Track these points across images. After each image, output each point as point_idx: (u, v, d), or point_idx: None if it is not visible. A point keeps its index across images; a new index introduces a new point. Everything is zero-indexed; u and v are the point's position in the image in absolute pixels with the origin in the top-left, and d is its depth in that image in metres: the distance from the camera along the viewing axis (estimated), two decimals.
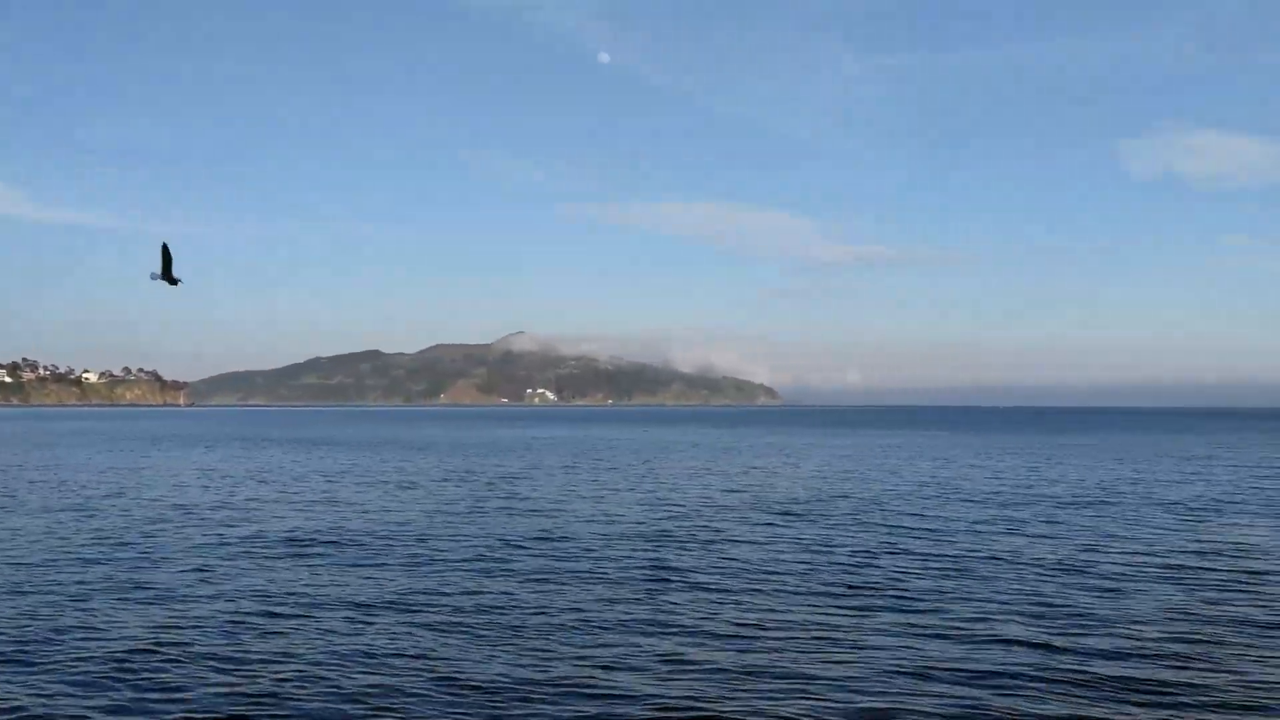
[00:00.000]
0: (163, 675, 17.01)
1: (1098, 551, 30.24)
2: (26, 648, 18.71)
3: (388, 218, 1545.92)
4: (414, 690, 16.24)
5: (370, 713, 15.25)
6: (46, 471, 63.34)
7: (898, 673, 17.19)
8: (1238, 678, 16.98)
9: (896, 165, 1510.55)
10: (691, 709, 15.41)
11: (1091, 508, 42.43)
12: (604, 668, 17.52)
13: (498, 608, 22.14)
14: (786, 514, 39.96)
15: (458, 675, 17.02)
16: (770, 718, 15.03)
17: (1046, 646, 18.89)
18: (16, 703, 15.60)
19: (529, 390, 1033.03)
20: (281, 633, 19.85)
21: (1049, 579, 25.69)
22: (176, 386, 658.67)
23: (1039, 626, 20.48)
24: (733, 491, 50.36)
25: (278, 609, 21.93)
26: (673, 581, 25.33)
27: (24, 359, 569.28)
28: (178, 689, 16.30)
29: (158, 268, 24.53)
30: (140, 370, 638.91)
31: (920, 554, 29.65)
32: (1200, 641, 19.33)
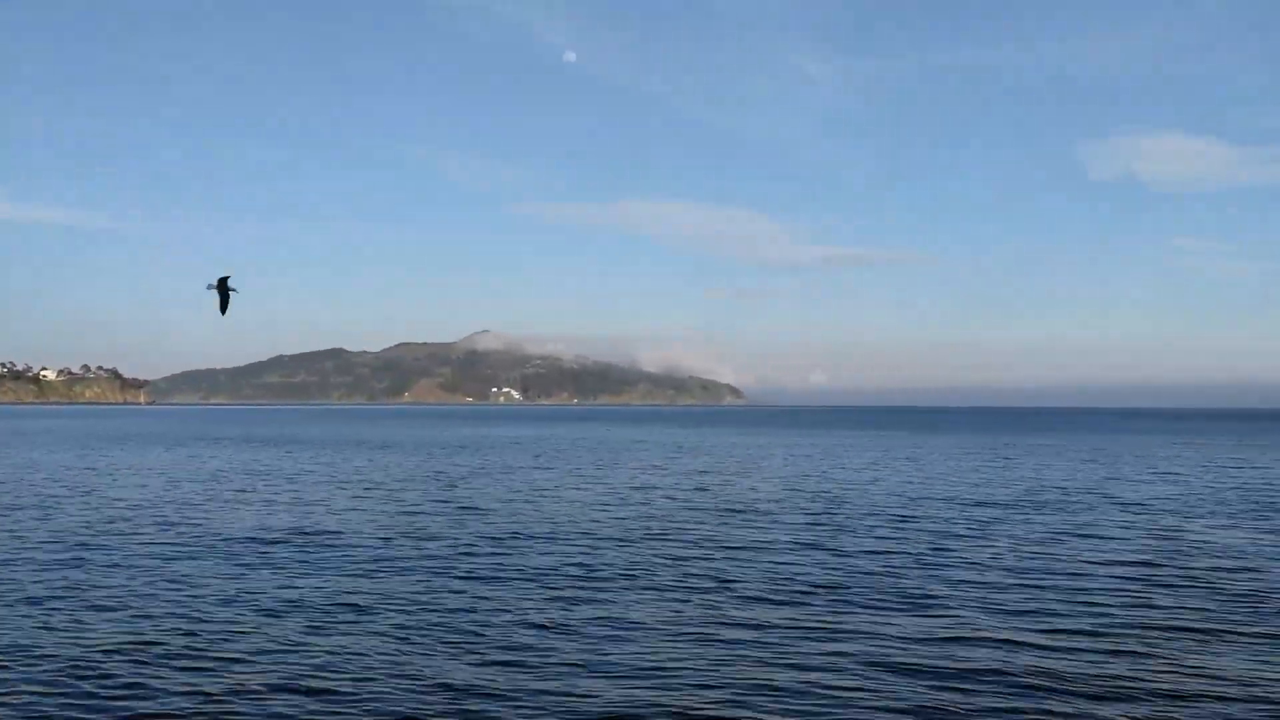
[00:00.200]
0: (120, 677, 16.87)
1: (1052, 549, 30.62)
2: None
3: (351, 216, 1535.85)
4: (375, 692, 16.21)
5: (331, 715, 15.23)
6: (1, 471, 62.44)
7: (857, 673, 17.35)
8: (1193, 674, 17.30)
9: (862, 167, 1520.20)
10: (655, 707, 15.50)
11: (1043, 508, 42.93)
12: (567, 667, 17.57)
13: (459, 609, 22.12)
14: (744, 513, 40.15)
15: (420, 676, 17.00)
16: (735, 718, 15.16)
17: (1009, 644, 19.14)
18: None
19: (494, 389, 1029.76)
20: (241, 634, 19.72)
21: (1007, 578, 25.99)
22: (136, 385, 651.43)
23: (1000, 625, 20.74)
24: (691, 491, 50.51)
25: (236, 611, 21.77)
26: (636, 581, 25.40)
27: None
28: (136, 690, 16.17)
29: (214, 280, 25.02)
30: (99, 368, 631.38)
31: (878, 553, 29.89)
32: (1159, 639, 19.65)
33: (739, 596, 23.56)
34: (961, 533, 34.59)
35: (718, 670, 17.40)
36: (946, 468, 70.27)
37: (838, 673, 17.26)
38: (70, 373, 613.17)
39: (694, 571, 26.80)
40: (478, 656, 18.18)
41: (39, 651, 18.28)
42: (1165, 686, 16.55)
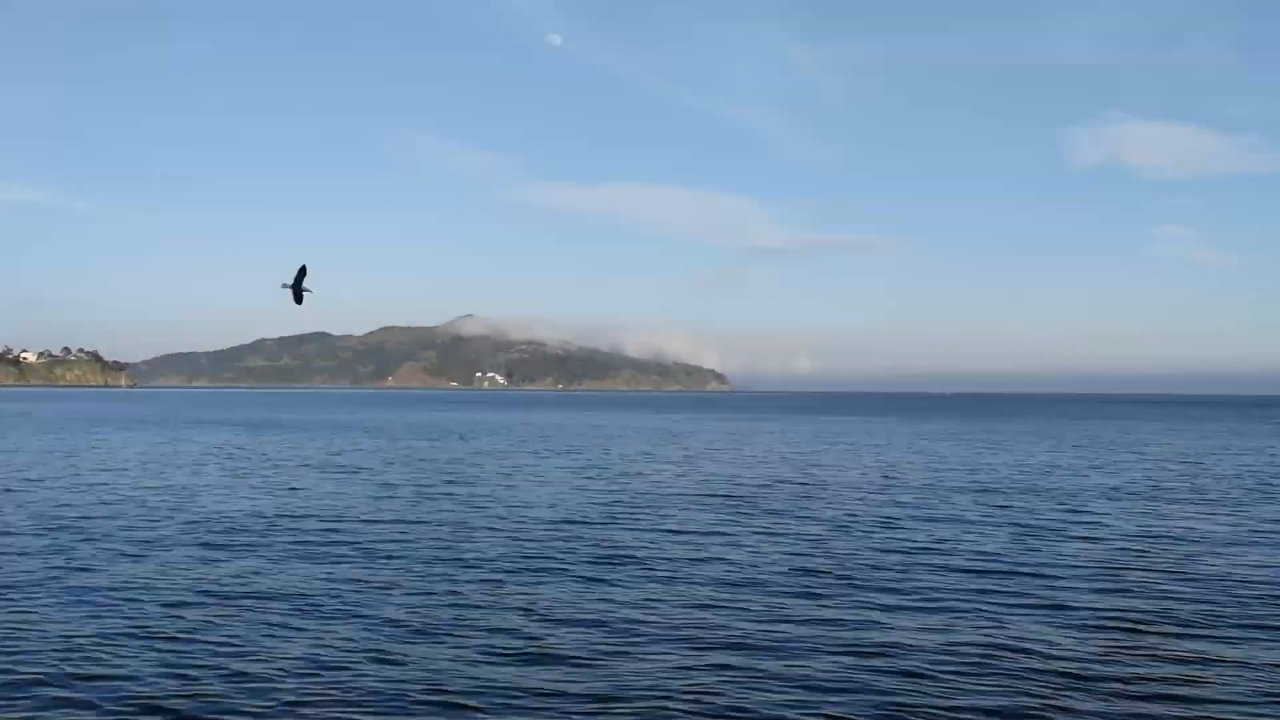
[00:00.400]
0: (96, 666, 16.75)
1: (1028, 537, 30.75)
2: None
3: (335, 199, 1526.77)
4: (357, 684, 16.14)
5: (313, 707, 15.15)
6: None
7: (838, 662, 17.39)
8: (1175, 662, 17.40)
9: (845, 152, 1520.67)
10: (645, 697, 15.49)
11: (1025, 493, 43.13)
12: (552, 660, 17.54)
13: (442, 596, 22.06)
14: (724, 498, 40.19)
15: (402, 664, 16.96)
16: (724, 707, 15.16)
17: (988, 633, 19.22)
18: None
19: (478, 374, 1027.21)
20: (220, 624, 19.61)
21: (988, 565, 26.09)
22: (118, 367, 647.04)
23: (979, 613, 20.82)
24: (673, 477, 50.53)
25: (216, 600, 21.67)
26: (620, 570, 25.38)
27: None
28: (113, 680, 16.06)
29: (289, 279, 25.10)
30: (80, 350, 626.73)
31: (858, 538, 29.97)
32: (1139, 628, 19.76)
33: (722, 582, 23.56)
34: (941, 519, 34.71)
35: (700, 657, 17.40)
36: (928, 453, 70.49)
37: (817, 663, 17.27)
38: (51, 355, 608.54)
39: (678, 557, 26.80)
40: (459, 645, 18.12)
41: (16, 641, 18.14)
42: (1147, 676, 16.64)
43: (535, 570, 25.16)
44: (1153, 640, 19.00)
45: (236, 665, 16.83)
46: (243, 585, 22.96)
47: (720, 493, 43.32)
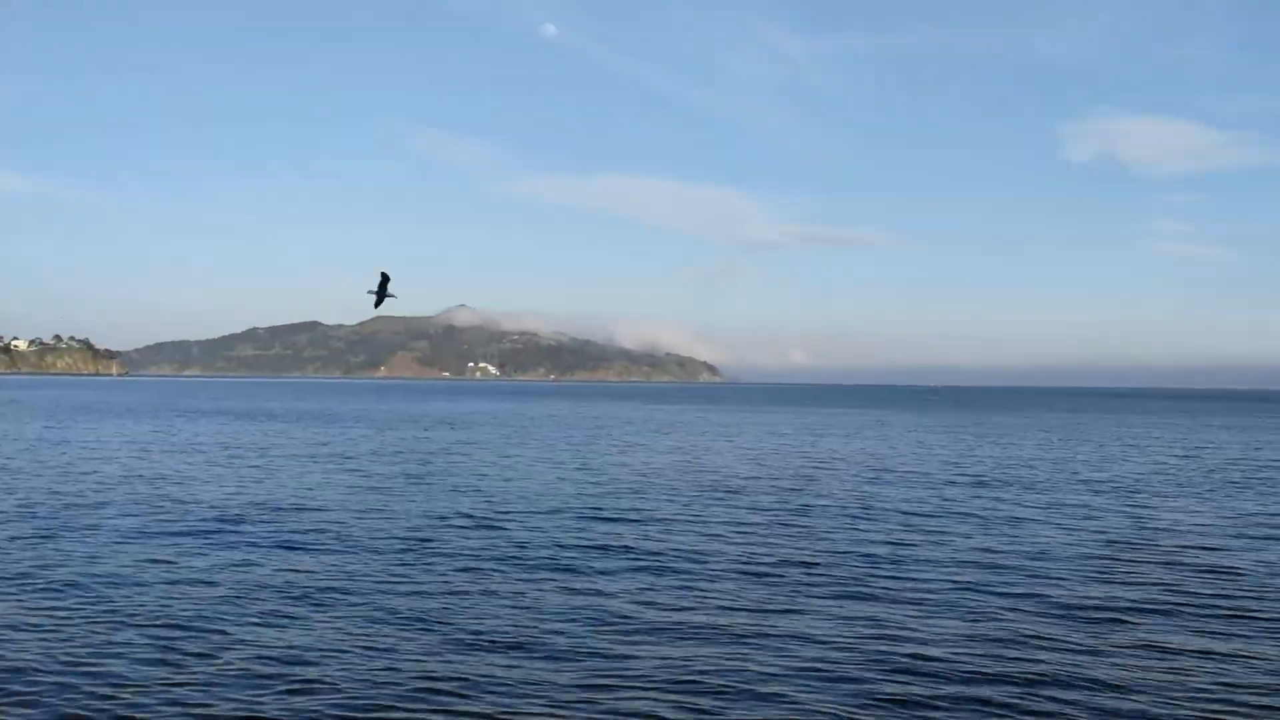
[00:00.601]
0: (83, 657, 16.75)
1: (1017, 529, 30.86)
2: None
3: (327, 189, 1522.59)
4: (346, 673, 16.16)
5: (302, 695, 15.18)
6: None
7: (825, 653, 17.46)
8: (1159, 652, 17.51)
9: (840, 146, 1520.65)
10: (633, 688, 15.55)
11: (1011, 485, 43.27)
12: (540, 650, 17.58)
13: (431, 589, 22.08)
14: (713, 490, 40.26)
15: (392, 655, 16.98)
16: (712, 697, 15.22)
17: (975, 624, 19.32)
18: None
19: (470, 364, 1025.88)
20: (207, 613, 19.60)
21: (976, 556, 26.18)
22: (109, 355, 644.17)
23: (967, 604, 20.91)
24: (662, 468, 50.58)
25: (203, 588, 21.66)
26: (608, 561, 25.44)
27: None
28: (102, 672, 16.07)
29: (374, 285, 26.20)
30: (71, 338, 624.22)
31: (846, 529, 30.05)
32: (1123, 619, 19.87)
33: (710, 574, 23.62)
34: (929, 511, 34.81)
35: (688, 648, 17.45)
36: (919, 446, 70.66)
37: (805, 653, 17.35)
38: (42, 343, 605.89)
39: (667, 549, 26.85)
40: (448, 638, 18.15)
41: (3, 630, 18.13)
42: (1132, 666, 16.74)
43: (524, 561, 25.19)
44: (1138, 631, 19.11)
45: (225, 654, 16.85)
46: (230, 574, 22.96)
47: (709, 484, 43.39)
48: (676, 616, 19.80)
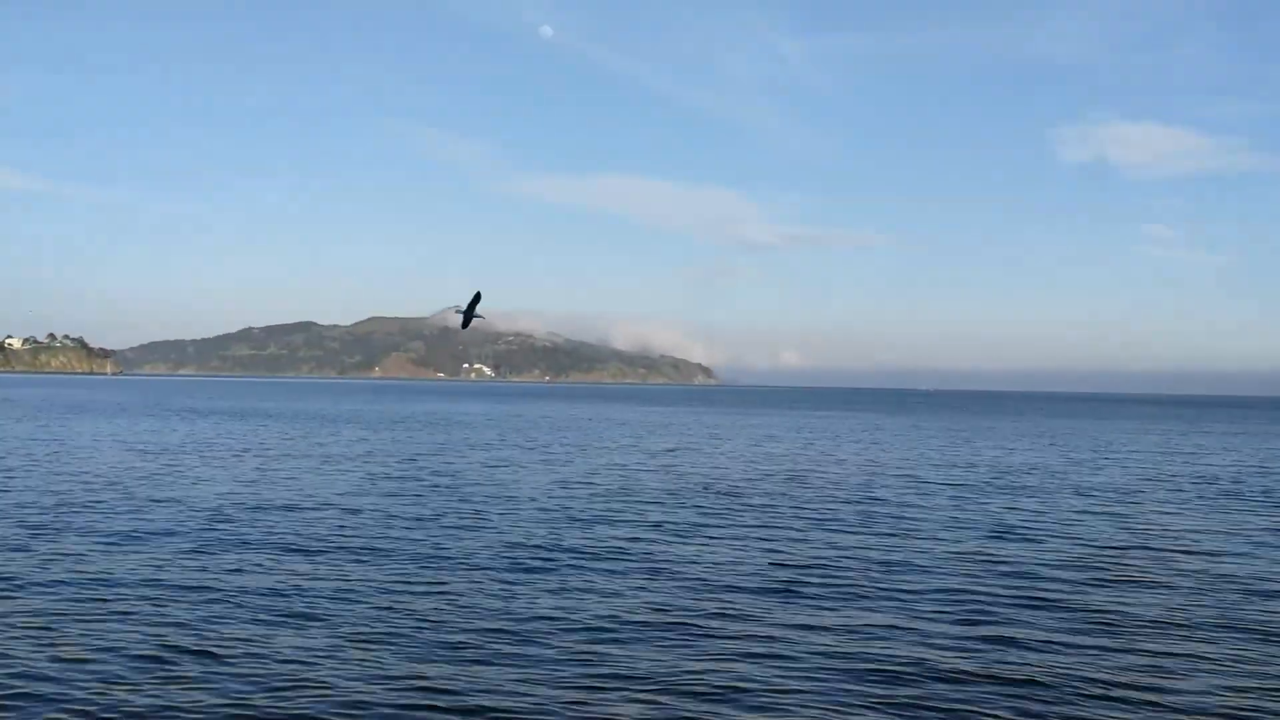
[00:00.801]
0: (73, 662, 16.69)
1: (1006, 535, 30.89)
2: None
3: (323, 188, 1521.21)
4: (340, 675, 16.13)
5: (294, 695, 15.15)
6: None
7: (816, 659, 17.45)
8: (1149, 662, 17.53)
9: (834, 147, 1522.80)
10: (626, 690, 15.54)
11: (1001, 491, 43.33)
12: (533, 653, 17.55)
13: (425, 595, 22.05)
14: (705, 493, 40.24)
15: (383, 663, 16.95)
16: (703, 701, 15.20)
17: (966, 630, 19.32)
18: None
19: (465, 365, 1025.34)
20: (200, 615, 19.56)
21: (965, 563, 26.21)
22: (104, 354, 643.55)
23: (957, 611, 20.91)
24: (655, 471, 50.57)
25: (195, 591, 21.61)
26: (602, 564, 25.42)
27: None
28: (88, 673, 16.03)
29: (463, 305, 26.60)
30: (66, 337, 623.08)
31: (837, 534, 30.06)
32: (1113, 629, 19.88)
33: (702, 578, 23.60)
34: (921, 515, 34.82)
35: (680, 652, 17.44)
36: (908, 449, 70.71)
37: (795, 659, 17.34)
38: (36, 341, 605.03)
39: (659, 552, 26.84)
40: (440, 640, 18.12)
41: None
42: (1122, 674, 16.74)
43: (516, 562, 25.16)
44: (1131, 637, 19.13)
45: (218, 654, 16.80)
46: (223, 574, 22.91)
47: (701, 487, 43.38)
48: (669, 619, 19.79)
